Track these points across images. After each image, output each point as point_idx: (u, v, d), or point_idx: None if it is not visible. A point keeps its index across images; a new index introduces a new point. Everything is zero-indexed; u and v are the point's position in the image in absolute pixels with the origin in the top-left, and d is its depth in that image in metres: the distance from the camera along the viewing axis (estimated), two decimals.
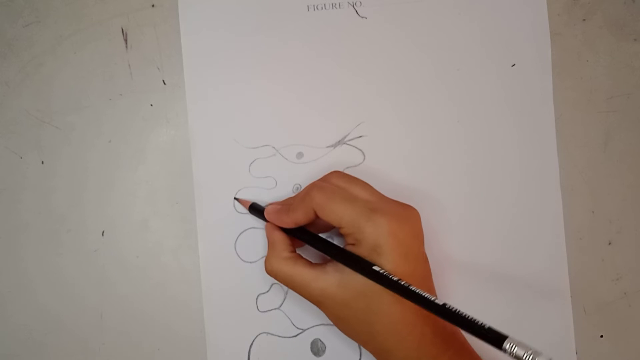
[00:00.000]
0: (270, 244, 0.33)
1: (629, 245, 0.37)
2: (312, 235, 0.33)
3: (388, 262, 0.29)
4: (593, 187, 0.37)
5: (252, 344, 0.37)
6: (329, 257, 0.31)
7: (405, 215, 0.31)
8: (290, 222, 0.33)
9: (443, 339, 0.30)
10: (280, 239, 0.33)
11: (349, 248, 0.31)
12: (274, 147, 0.38)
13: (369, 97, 0.38)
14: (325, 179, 0.33)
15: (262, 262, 0.37)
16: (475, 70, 0.37)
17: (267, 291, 0.37)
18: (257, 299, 0.37)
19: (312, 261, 0.32)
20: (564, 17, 0.38)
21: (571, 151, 0.37)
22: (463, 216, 0.37)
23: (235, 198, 0.37)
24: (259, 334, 0.37)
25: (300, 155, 0.37)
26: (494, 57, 0.37)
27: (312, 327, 0.37)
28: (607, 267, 0.37)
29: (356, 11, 0.38)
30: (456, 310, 0.26)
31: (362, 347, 0.36)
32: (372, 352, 0.31)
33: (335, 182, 0.33)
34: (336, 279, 0.30)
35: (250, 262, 0.37)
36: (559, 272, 0.37)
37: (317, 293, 0.31)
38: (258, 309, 0.37)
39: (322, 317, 0.37)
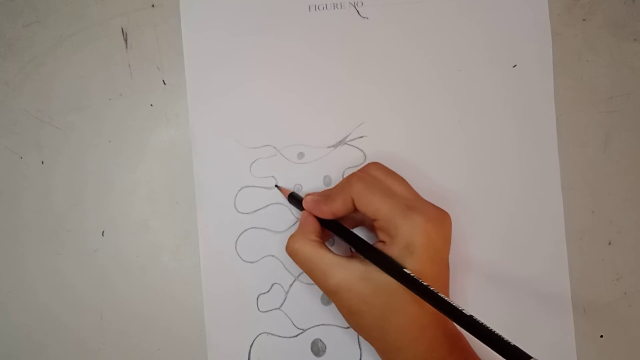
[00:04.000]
0: (301, 225, 0.33)
1: (629, 245, 0.37)
2: (345, 230, 0.33)
3: (417, 262, 0.29)
4: (593, 187, 0.37)
5: (252, 344, 0.37)
6: (354, 253, 0.31)
7: (439, 218, 0.30)
8: (328, 211, 0.32)
9: (451, 342, 0.30)
10: (313, 223, 0.33)
11: (379, 246, 0.30)
12: (275, 147, 0.38)
13: (370, 98, 0.38)
14: (364, 170, 0.33)
15: (262, 262, 0.37)
16: (477, 71, 0.38)
17: (268, 291, 0.37)
18: (257, 299, 0.37)
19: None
20: (564, 17, 0.38)
21: (571, 151, 0.37)
22: (464, 216, 0.37)
23: (276, 186, 0.37)
24: (260, 334, 0.37)
25: (301, 155, 0.37)
26: (495, 57, 0.38)
27: (313, 327, 0.37)
28: (607, 267, 0.37)
29: (357, 11, 0.38)
30: (483, 323, 0.25)
31: (362, 348, 0.36)
32: (379, 349, 0.31)
33: (374, 173, 0.32)
34: (360, 272, 0.30)
35: (251, 262, 0.37)
36: (559, 272, 0.37)
37: (335, 282, 0.30)
38: (258, 309, 0.37)
39: (323, 318, 0.37)
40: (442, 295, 0.27)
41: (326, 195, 0.33)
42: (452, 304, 0.27)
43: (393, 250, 0.29)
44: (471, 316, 0.26)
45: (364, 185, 0.31)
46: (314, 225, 0.33)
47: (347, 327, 0.36)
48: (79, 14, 0.38)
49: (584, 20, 0.38)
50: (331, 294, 0.31)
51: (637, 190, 0.37)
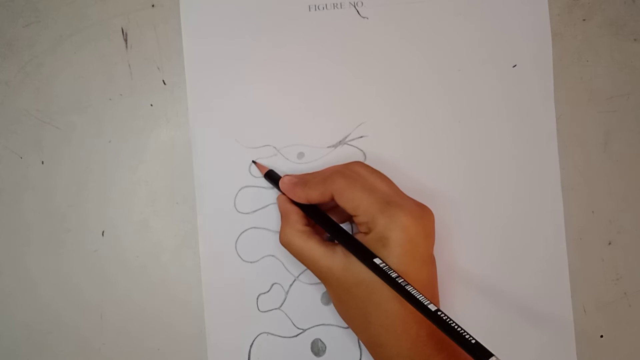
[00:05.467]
0: (284, 216, 0.34)
1: (629, 245, 0.37)
2: (322, 216, 0.33)
3: (393, 257, 0.29)
4: (593, 187, 0.37)
5: (252, 344, 0.37)
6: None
7: (420, 214, 0.31)
8: (303, 197, 0.33)
9: (437, 341, 0.30)
10: (294, 211, 0.33)
11: (358, 236, 0.31)
12: (274, 147, 0.38)
13: (370, 98, 0.38)
14: (347, 167, 0.33)
15: (262, 262, 0.37)
16: (476, 71, 0.37)
17: (268, 291, 0.37)
18: (257, 298, 0.37)
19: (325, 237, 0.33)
20: (564, 17, 0.38)
21: (571, 151, 0.37)
22: (464, 216, 0.37)
23: (253, 161, 0.37)
24: (260, 334, 0.37)
25: (301, 155, 0.37)
26: (494, 57, 0.37)
27: (313, 327, 0.37)
28: (607, 267, 0.37)
29: (357, 11, 0.38)
30: (447, 319, 0.26)
31: (362, 348, 0.36)
32: (366, 343, 0.31)
33: (357, 170, 0.33)
34: (342, 262, 0.30)
35: (251, 262, 0.37)
36: (559, 272, 0.37)
37: (324, 270, 0.31)
38: (258, 308, 0.37)
39: (323, 318, 0.37)
40: (409, 288, 0.27)
41: (304, 180, 0.33)
42: (416, 296, 0.27)
43: (368, 241, 0.30)
44: (437, 310, 0.26)
45: (345, 182, 0.31)
46: (296, 213, 0.33)
47: (347, 327, 0.36)
48: (79, 14, 0.38)
49: (584, 20, 0.38)
50: (323, 281, 0.32)
51: (637, 190, 0.37)
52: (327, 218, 0.33)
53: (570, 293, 0.36)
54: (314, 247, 0.31)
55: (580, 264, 0.37)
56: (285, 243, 0.33)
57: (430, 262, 0.32)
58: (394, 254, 0.29)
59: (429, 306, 0.26)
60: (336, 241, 0.32)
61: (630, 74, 0.38)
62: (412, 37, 0.38)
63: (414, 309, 0.29)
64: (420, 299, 0.27)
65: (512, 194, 0.37)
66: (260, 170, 0.37)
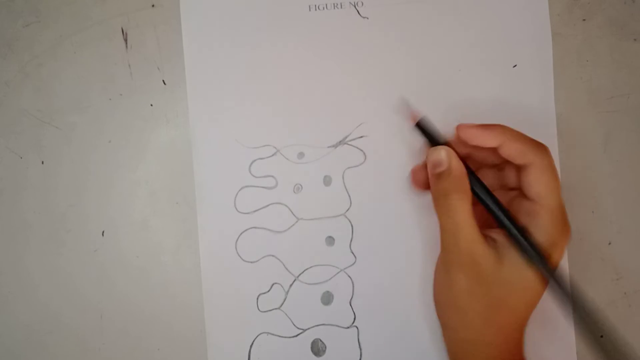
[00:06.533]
0: (461, 176, 0.30)
1: (629, 245, 0.37)
2: (499, 206, 0.30)
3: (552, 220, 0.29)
4: (593, 187, 0.37)
5: (252, 344, 0.37)
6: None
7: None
8: (491, 138, 0.29)
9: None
10: (467, 181, 0.30)
11: (510, 194, 0.30)
12: (275, 147, 0.38)
13: (370, 98, 0.38)
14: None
15: (262, 262, 0.37)
16: (477, 71, 0.37)
17: (268, 291, 0.37)
18: (257, 298, 0.37)
19: None
20: (564, 17, 0.38)
21: (571, 151, 0.37)
22: None
23: (405, 102, 0.34)
24: (260, 334, 0.37)
25: (301, 155, 0.37)
26: (495, 58, 0.37)
27: (313, 327, 0.37)
28: (607, 267, 0.37)
29: (357, 11, 0.38)
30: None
31: (362, 348, 0.36)
32: (453, 328, 0.31)
33: None
34: (495, 256, 0.29)
35: (251, 262, 0.37)
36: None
37: (465, 253, 0.29)
38: (258, 308, 0.37)
39: (323, 318, 0.37)
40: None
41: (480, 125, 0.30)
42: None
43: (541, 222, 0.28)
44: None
45: (510, 131, 0.29)
46: (467, 182, 0.30)
47: (347, 327, 0.36)
48: (79, 14, 0.38)
49: (584, 20, 0.38)
50: (459, 266, 0.29)
51: (637, 190, 0.37)
52: (506, 213, 0.29)
53: (570, 293, 0.36)
54: (470, 227, 0.29)
55: (580, 264, 0.37)
56: (449, 197, 0.29)
57: None
58: (549, 218, 0.28)
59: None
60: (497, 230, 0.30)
61: (630, 74, 0.38)
62: (412, 37, 0.38)
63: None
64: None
65: None
66: (412, 119, 0.32)
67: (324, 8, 0.38)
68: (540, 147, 0.29)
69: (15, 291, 0.38)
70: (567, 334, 0.36)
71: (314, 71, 0.38)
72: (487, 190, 0.30)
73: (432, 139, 0.31)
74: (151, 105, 0.38)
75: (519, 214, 0.29)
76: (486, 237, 0.29)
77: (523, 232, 0.29)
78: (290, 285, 0.37)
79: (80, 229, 0.38)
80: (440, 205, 0.30)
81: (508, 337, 0.29)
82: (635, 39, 0.38)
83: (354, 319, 0.37)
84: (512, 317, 0.29)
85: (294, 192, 0.37)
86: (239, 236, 0.37)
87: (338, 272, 0.37)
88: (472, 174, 0.30)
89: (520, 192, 0.30)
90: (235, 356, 0.37)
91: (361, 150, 0.37)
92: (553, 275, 0.28)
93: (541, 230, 0.28)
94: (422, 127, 0.32)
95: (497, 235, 0.30)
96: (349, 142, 0.38)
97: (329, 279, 0.37)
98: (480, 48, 0.38)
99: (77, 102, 0.38)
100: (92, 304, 0.38)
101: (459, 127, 0.30)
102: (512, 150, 0.29)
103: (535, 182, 0.29)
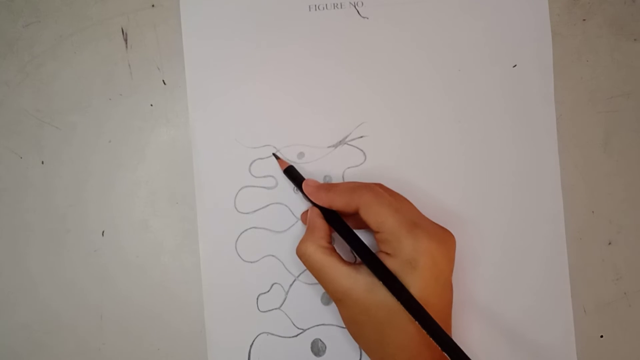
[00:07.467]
0: (310, 228, 0.33)
1: (629, 245, 0.37)
2: (352, 234, 0.32)
3: (421, 280, 0.29)
4: (593, 187, 0.37)
5: (252, 344, 0.37)
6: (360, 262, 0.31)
7: (444, 238, 0.31)
8: (326, 201, 0.33)
9: None
10: (323, 227, 0.33)
11: (382, 257, 0.30)
12: (275, 147, 0.38)
13: (370, 98, 0.38)
14: (370, 184, 0.33)
15: (262, 262, 0.37)
16: (477, 71, 0.38)
17: (268, 291, 0.37)
18: (257, 298, 0.37)
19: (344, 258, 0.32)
20: (564, 17, 0.38)
21: (571, 151, 0.37)
22: (464, 216, 0.37)
23: (273, 154, 0.37)
24: (260, 334, 0.37)
25: (301, 155, 0.37)
26: (495, 57, 0.38)
27: (313, 327, 0.37)
28: (607, 267, 0.37)
29: (357, 11, 0.38)
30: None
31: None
32: None
33: (381, 189, 0.32)
34: (366, 283, 0.30)
35: (251, 262, 0.37)
36: (559, 272, 0.37)
37: (342, 290, 0.30)
38: (258, 308, 0.37)
39: (323, 318, 0.37)
40: (430, 321, 0.28)
41: (330, 186, 0.33)
42: (444, 335, 0.27)
43: (395, 264, 0.29)
44: (455, 346, 0.27)
45: (373, 196, 0.31)
46: (324, 229, 0.33)
47: None
48: (79, 14, 0.38)
49: (584, 20, 0.38)
50: (336, 302, 0.32)
51: (637, 190, 0.37)
52: (357, 237, 0.32)
53: (570, 293, 0.36)
54: (336, 265, 0.31)
55: (580, 264, 0.37)
56: (302, 254, 0.32)
57: (449, 286, 0.32)
58: (422, 277, 0.29)
59: (458, 346, 0.27)
60: (358, 261, 0.31)
61: (630, 74, 0.38)
62: (412, 37, 0.38)
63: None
64: (447, 337, 0.27)
65: (512, 194, 0.37)
66: (281, 165, 0.36)
67: (324, 8, 0.38)
68: (360, 190, 0.31)
69: (16, 291, 0.38)
70: (567, 333, 0.36)
71: (314, 71, 0.38)
72: (346, 230, 0.32)
73: (298, 183, 0.35)
74: (151, 105, 0.38)
75: (381, 244, 0.31)
76: (359, 268, 0.31)
77: (374, 258, 0.30)
78: (290, 285, 0.37)
79: (80, 229, 0.38)
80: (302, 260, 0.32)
81: (413, 352, 0.30)
82: (635, 39, 0.38)
83: None
84: (405, 335, 0.29)
85: (294, 192, 0.37)
86: (239, 236, 0.37)
87: None
88: (341, 225, 0.33)
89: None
90: (235, 356, 0.37)
91: (361, 150, 0.37)
92: (401, 295, 0.29)
93: (396, 251, 0.30)
94: (289, 173, 0.36)
95: (364, 268, 0.31)
96: (349, 142, 0.38)
97: None
98: (480, 48, 0.38)
99: (77, 102, 0.38)
100: (92, 304, 0.38)
101: (304, 182, 0.34)
102: (341, 205, 0.32)
103: (370, 218, 0.30)
